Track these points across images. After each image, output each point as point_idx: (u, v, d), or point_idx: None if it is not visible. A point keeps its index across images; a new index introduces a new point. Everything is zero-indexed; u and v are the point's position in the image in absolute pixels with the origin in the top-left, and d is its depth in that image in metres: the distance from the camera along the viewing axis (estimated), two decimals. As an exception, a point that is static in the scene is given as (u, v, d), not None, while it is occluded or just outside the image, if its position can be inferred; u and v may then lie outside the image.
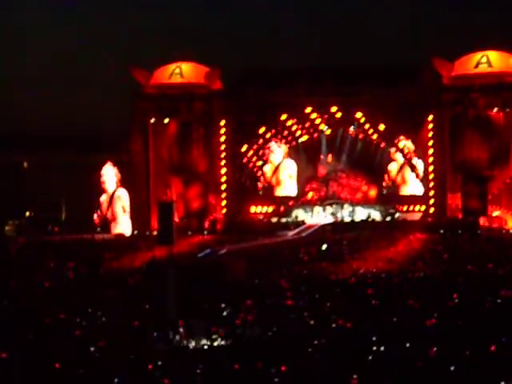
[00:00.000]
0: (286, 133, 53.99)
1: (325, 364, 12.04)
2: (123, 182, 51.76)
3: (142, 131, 50.15)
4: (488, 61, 47.03)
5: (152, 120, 50.02)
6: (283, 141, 54.53)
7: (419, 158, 51.34)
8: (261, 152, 54.08)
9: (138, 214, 49.87)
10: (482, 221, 46.57)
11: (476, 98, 46.94)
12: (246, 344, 13.60)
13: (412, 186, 53.91)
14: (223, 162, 50.27)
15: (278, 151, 55.02)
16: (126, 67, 50.45)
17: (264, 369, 11.85)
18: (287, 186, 55.92)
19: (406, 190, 54.40)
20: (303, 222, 49.51)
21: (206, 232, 47.40)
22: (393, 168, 54.62)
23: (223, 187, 50.33)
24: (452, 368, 11.56)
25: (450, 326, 14.61)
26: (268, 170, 55.47)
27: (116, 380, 11.44)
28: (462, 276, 24.04)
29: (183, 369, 11.93)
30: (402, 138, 52.05)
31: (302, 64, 55.21)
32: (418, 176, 52.10)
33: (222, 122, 50.03)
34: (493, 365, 11.78)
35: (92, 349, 13.30)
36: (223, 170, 50.27)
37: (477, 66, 47.22)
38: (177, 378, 11.38)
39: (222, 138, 50.16)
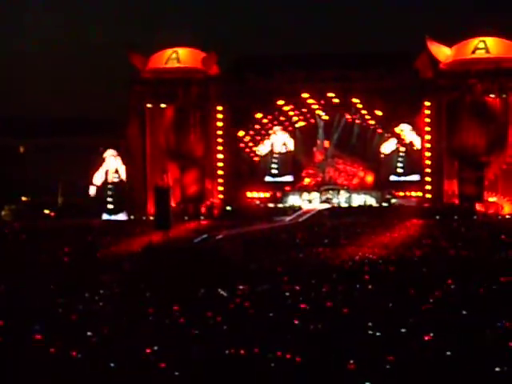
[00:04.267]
0: (283, 118, 54.01)
1: (321, 349, 12.06)
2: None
3: (139, 116, 50.14)
4: (485, 46, 47.00)
5: (148, 105, 49.96)
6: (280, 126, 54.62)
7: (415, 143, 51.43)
8: (258, 137, 54.12)
9: (134, 199, 49.88)
10: (479, 206, 46.69)
11: (473, 84, 46.93)
12: (242, 329, 13.61)
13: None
14: (220, 147, 50.29)
15: (279, 136, 55.00)
16: (123, 52, 50.39)
17: (260, 354, 11.87)
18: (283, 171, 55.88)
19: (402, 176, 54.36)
20: (300, 208, 49.58)
21: (202, 217, 47.48)
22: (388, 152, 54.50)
23: (220, 172, 50.36)
24: (448, 353, 11.58)
25: (446, 312, 14.64)
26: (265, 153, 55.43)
27: (112, 365, 11.45)
28: (458, 261, 24.08)
29: (180, 354, 11.94)
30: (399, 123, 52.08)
31: (299, 51, 55.30)
32: (414, 161, 52.13)
33: (219, 107, 50.00)
34: (488, 350, 11.82)
35: (89, 333, 13.30)
36: (220, 155, 50.28)
37: (474, 52, 47.20)
38: (173, 362, 11.39)
39: (219, 123, 50.14)
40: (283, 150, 55.23)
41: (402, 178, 53.70)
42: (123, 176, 51.70)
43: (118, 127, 50.58)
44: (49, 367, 11.46)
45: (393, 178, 53.98)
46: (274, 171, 55.59)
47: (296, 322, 13.95)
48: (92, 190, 52.24)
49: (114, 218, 49.85)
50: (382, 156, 54.27)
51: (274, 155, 55.50)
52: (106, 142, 52.55)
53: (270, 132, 54.61)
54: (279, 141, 55.16)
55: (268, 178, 55.39)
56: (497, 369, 10.89)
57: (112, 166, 51.99)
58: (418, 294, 16.90)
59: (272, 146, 55.46)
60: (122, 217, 49.84)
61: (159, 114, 50.41)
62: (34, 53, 75.99)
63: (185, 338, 12.99)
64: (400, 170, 53.98)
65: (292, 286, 18.50)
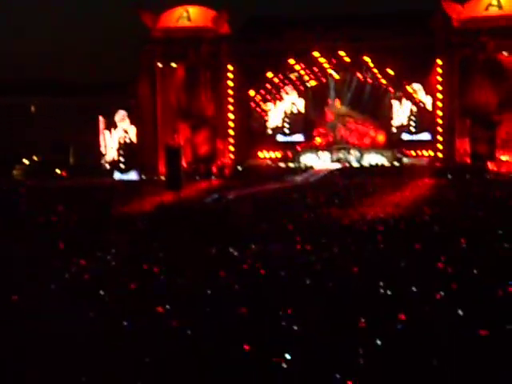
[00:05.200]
0: (293, 77, 53.74)
1: (331, 308, 12.10)
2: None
3: (150, 75, 50.02)
4: (498, 3, 46.63)
5: (159, 64, 49.79)
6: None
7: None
8: (268, 96, 53.91)
9: (145, 159, 49.93)
10: (491, 165, 46.55)
11: (485, 42, 46.53)
12: (253, 288, 13.66)
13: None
14: (231, 107, 50.17)
15: (290, 95, 54.82)
16: (133, 10, 50.22)
17: (271, 312, 11.92)
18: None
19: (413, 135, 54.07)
20: (311, 167, 49.54)
21: (213, 177, 47.52)
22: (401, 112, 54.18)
23: (231, 132, 50.30)
24: (460, 312, 11.59)
25: (457, 271, 14.65)
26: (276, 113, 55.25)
27: (125, 323, 11.52)
28: (469, 221, 24.05)
29: (191, 312, 12.00)
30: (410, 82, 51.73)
31: (310, 12, 54.95)
32: (426, 120, 51.88)
33: (230, 67, 49.82)
34: (500, 309, 11.83)
35: (101, 292, 13.38)
36: (231, 115, 50.18)
37: (487, 9, 46.77)
38: (185, 321, 11.44)
39: (230, 83, 49.98)
40: (294, 111, 55.02)
41: (414, 137, 53.41)
42: (132, 136, 51.70)
43: (128, 87, 50.50)
44: (63, 326, 11.54)
45: (405, 136, 53.67)
46: (286, 130, 55.40)
47: (307, 281, 13.99)
48: (110, 156, 52.21)
49: (125, 177, 49.92)
50: (398, 124, 53.68)
51: (286, 114, 55.29)
52: (117, 102, 52.49)
53: (281, 92, 54.34)
54: (289, 101, 54.93)
55: (279, 137, 55.22)
56: (510, 326, 10.91)
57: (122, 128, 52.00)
58: (430, 252, 16.91)
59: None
60: (133, 176, 49.90)
61: (170, 74, 50.27)
62: (42, 14, 75.77)
63: (196, 298, 13.05)
64: (412, 129, 53.64)
65: (303, 245, 18.53)
